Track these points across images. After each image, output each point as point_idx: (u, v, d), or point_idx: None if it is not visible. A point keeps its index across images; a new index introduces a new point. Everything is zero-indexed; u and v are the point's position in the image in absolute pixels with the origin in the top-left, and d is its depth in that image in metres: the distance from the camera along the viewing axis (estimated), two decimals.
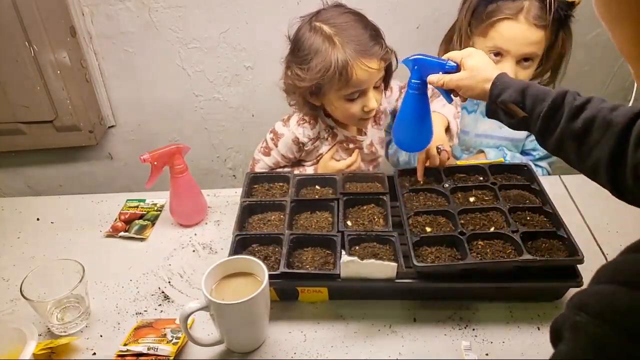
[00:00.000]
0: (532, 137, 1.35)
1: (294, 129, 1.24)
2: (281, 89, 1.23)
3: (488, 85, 0.87)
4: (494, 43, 1.23)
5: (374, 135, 1.31)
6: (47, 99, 1.61)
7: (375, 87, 1.17)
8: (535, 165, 1.34)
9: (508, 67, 1.21)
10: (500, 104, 0.84)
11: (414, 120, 1.02)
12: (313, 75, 1.11)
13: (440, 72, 0.94)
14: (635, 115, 0.69)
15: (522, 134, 1.34)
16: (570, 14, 1.20)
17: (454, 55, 0.94)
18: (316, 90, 1.15)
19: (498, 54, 1.23)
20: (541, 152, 1.35)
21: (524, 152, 1.38)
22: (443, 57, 0.95)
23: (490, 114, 0.89)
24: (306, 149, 1.26)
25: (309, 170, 1.26)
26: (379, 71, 1.13)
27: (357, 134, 1.29)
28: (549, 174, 1.36)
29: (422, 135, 1.04)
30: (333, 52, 1.09)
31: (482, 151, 1.34)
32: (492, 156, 1.30)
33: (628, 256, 0.46)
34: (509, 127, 0.88)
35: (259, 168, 1.27)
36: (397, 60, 1.19)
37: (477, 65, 0.90)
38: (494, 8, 1.21)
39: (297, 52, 1.15)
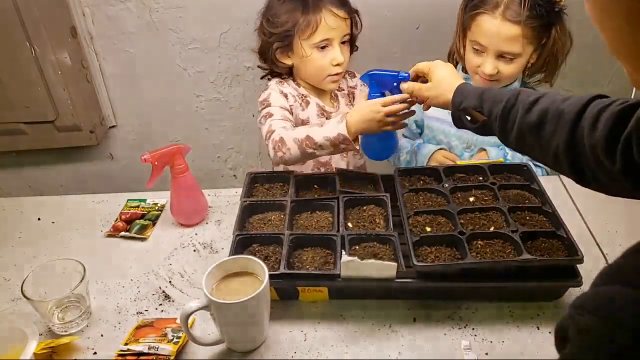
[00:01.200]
0: None
1: (275, 86, 1.29)
2: (254, 51, 1.32)
3: (451, 95, 0.92)
4: (473, 37, 1.25)
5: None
6: (48, 99, 1.61)
7: (343, 43, 1.24)
8: (535, 165, 1.34)
9: (488, 62, 1.23)
10: (462, 111, 0.89)
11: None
12: (284, 18, 1.21)
13: (396, 83, 1.05)
14: (585, 102, 0.72)
15: None
16: (560, 11, 1.20)
17: (421, 67, 1.02)
18: (286, 41, 1.23)
19: (479, 48, 1.25)
20: None
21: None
22: (411, 69, 1.04)
23: (456, 122, 0.94)
24: (290, 103, 1.28)
25: (336, 117, 1.10)
26: (346, 24, 1.23)
27: (329, 105, 1.35)
28: (547, 174, 1.35)
29: (386, 143, 1.13)
30: (304, 0, 1.19)
31: (484, 149, 1.34)
32: (494, 155, 1.30)
33: (630, 257, 0.46)
34: (474, 132, 0.92)
35: (278, 131, 1.14)
36: (361, 21, 1.29)
37: (443, 76, 0.97)
38: (477, 1, 1.23)
39: (270, 7, 1.25)
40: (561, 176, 1.26)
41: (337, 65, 1.24)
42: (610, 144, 0.65)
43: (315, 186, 1.13)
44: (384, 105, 1.03)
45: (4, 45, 1.51)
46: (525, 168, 1.13)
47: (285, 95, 1.28)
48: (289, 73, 1.33)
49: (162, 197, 1.24)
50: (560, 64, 1.28)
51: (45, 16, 1.50)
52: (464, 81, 0.95)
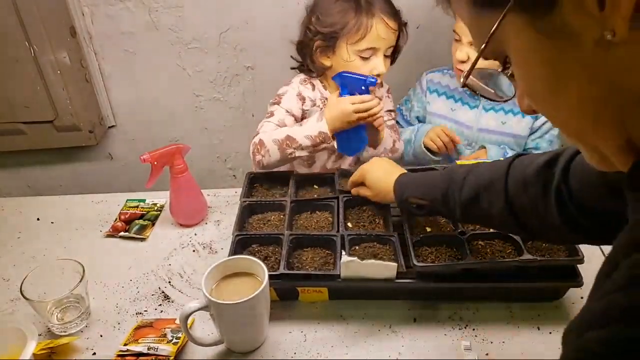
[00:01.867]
0: (534, 136, 1.35)
1: (297, 85, 1.27)
2: (293, 42, 1.29)
3: (391, 191, 0.93)
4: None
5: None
6: (47, 99, 1.61)
7: (386, 56, 1.22)
8: None
9: (460, 49, 1.27)
10: (405, 202, 0.90)
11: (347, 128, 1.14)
12: (335, 20, 1.17)
13: (364, 87, 1.11)
14: (508, 165, 0.73)
15: (524, 130, 1.34)
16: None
17: (354, 179, 1.03)
18: (331, 42, 1.19)
19: (456, 38, 1.29)
20: (543, 151, 1.35)
21: (526, 151, 1.38)
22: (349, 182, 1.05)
23: (403, 212, 0.97)
24: (305, 107, 1.26)
25: (314, 116, 1.16)
26: (394, 34, 1.20)
27: None
28: None
29: (355, 140, 1.17)
30: (357, 3, 1.16)
31: (484, 147, 1.34)
32: (493, 153, 1.30)
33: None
34: (423, 217, 0.98)
35: (265, 131, 1.18)
36: (407, 34, 1.26)
37: (377, 177, 0.98)
38: None
39: (321, 3, 1.21)
40: None
41: (377, 75, 1.20)
42: (545, 201, 0.67)
43: (315, 186, 1.12)
44: (352, 103, 1.10)
45: (3, 45, 1.51)
46: None
47: (303, 99, 1.26)
48: (321, 73, 1.30)
49: (161, 197, 1.23)
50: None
51: (45, 16, 1.49)
52: (401, 172, 0.95)
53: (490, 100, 0.52)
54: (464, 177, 0.79)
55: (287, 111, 1.23)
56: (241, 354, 0.85)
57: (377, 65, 1.20)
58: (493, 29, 0.40)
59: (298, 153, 1.12)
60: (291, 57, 1.32)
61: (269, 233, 0.98)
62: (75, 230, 1.16)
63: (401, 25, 1.23)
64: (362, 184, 1.02)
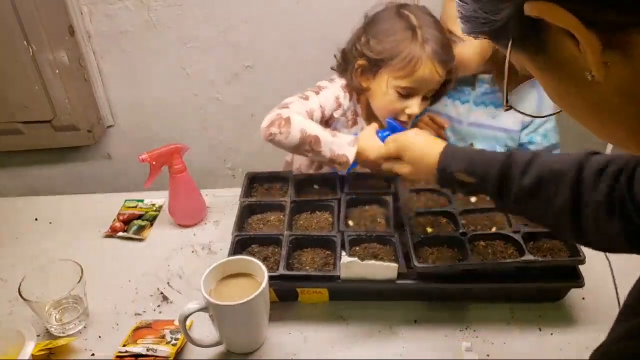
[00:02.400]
0: (527, 130, 1.34)
1: (339, 88, 1.21)
2: (339, 51, 1.24)
3: (434, 173, 0.85)
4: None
5: None
6: (45, 99, 1.61)
7: (424, 97, 1.17)
8: None
9: None
10: (449, 174, 0.83)
11: None
12: (384, 48, 1.12)
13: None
14: (582, 160, 0.71)
15: (516, 124, 1.32)
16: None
17: (390, 152, 0.94)
18: (374, 68, 1.15)
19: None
20: (538, 146, 1.34)
21: (520, 146, 1.37)
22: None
23: (443, 184, 0.88)
24: (335, 114, 1.21)
25: (347, 137, 1.08)
26: (440, 80, 1.15)
27: None
28: None
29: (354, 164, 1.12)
30: (412, 41, 1.10)
31: (472, 144, 1.33)
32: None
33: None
34: (462, 194, 0.90)
35: (296, 110, 1.09)
36: (455, 82, 1.21)
37: (418, 156, 0.88)
38: None
39: (377, 26, 1.16)
40: None
41: (408, 116, 1.16)
42: (610, 206, 0.65)
43: (315, 186, 1.12)
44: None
45: (1, 44, 1.50)
46: None
47: (339, 105, 1.21)
48: (358, 92, 1.23)
49: (160, 197, 1.23)
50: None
51: (43, 15, 1.49)
52: (443, 145, 0.86)
53: (532, 117, 0.55)
54: (528, 163, 0.75)
55: (321, 106, 1.16)
56: (240, 355, 0.85)
57: (412, 106, 1.15)
58: (507, 59, 0.45)
59: (312, 155, 1.07)
60: (334, 55, 1.26)
61: (269, 233, 0.98)
62: (73, 230, 1.16)
63: (451, 73, 1.17)
64: (396, 158, 0.92)
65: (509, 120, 1.32)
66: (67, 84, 1.59)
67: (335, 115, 1.20)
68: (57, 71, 1.57)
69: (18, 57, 1.53)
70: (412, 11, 1.14)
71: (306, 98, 1.14)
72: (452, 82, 1.21)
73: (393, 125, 1.07)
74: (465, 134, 1.35)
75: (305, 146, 1.04)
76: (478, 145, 1.31)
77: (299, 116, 1.06)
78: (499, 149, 1.31)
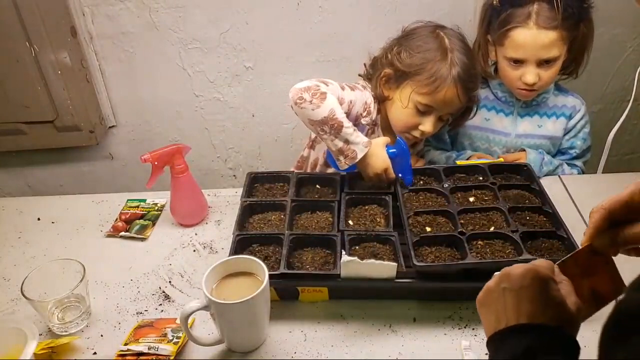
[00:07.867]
0: (568, 135, 1.35)
1: (370, 95, 1.23)
2: (370, 57, 1.27)
3: None
4: (509, 52, 1.23)
5: None
6: (47, 99, 1.61)
7: (440, 118, 1.19)
8: (571, 164, 1.35)
9: (530, 72, 1.21)
10: None
11: None
12: (413, 62, 1.15)
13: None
14: None
15: (559, 131, 1.33)
16: (589, 6, 1.20)
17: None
18: (399, 79, 1.18)
19: (517, 61, 1.23)
20: (578, 150, 1.35)
21: (560, 151, 1.38)
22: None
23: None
24: (363, 120, 1.22)
25: (363, 137, 1.09)
26: (459, 105, 1.18)
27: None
28: (583, 173, 1.36)
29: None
30: (442, 61, 1.13)
31: (524, 150, 1.33)
32: (532, 157, 1.28)
33: None
34: None
35: (333, 91, 1.11)
36: (476, 110, 1.25)
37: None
38: (505, 17, 1.21)
39: (411, 40, 1.18)
40: (561, 176, 1.26)
41: (422, 132, 1.19)
42: None
43: (317, 186, 1.13)
44: (385, 168, 1.08)
45: (4, 45, 1.51)
46: (525, 168, 1.13)
47: (368, 112, 1.22)
48: (380, 99, 1.25)
49: (161, 197, 1.24)
50: (588, 56, 1.27)
51: (45, 16, 1.49)
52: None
53: None
54: None
55: (351, 101, 1.18)
56: (241, 354, 0.86)
57: (427, 124, 1.17)
58: None
59: (325, 137, 1.07)
60: (364, 63, 1.29)
61: (270, 233, 0.98)
62: (75, 230, 1.16)
63: (472, 101, 1.20)
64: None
65: (554, 127, 1.33)
66: (69, 84, 1.60)
67: (363, 122, 1.22)
68: (59, 72, 1.57)
69: (20, 58, 1.53)
70: (447, 34, 1.17)
71: (343, 88, 1.17)
72: (472, 110, 1.24)
73: (401, 143, 1.09)
74: (513, 146, 1.35)
75: (325, 127, 1.06)
76: (529, 153, 1.30)
77: (334, 97, 1.09)
78: (546, 156, 1.30)
